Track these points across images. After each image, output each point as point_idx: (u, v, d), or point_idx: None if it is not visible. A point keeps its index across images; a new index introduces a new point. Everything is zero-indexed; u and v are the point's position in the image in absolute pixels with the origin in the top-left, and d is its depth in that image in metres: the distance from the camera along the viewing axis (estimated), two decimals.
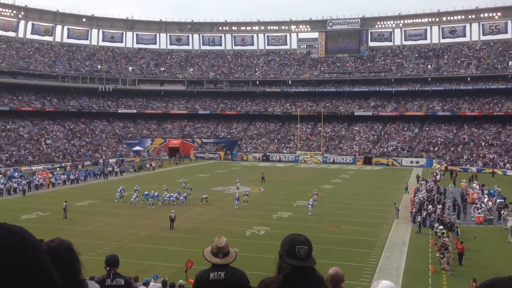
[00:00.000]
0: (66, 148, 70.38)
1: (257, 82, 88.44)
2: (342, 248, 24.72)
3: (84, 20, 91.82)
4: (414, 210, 31.61)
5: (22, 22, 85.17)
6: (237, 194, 37.01)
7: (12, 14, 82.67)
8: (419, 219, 29.30)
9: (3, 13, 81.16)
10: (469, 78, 76.74)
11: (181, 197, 36.88)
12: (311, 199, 34.78)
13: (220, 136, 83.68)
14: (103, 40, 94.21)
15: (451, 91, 77.26)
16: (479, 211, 32.48)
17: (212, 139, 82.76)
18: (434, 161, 65.39)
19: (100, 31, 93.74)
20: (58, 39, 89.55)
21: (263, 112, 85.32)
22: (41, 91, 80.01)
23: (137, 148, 78.31)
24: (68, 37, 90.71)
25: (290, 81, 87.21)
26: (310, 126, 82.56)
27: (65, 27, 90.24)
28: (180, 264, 21.76)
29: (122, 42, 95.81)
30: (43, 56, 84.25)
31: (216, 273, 3.47)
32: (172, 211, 29.72)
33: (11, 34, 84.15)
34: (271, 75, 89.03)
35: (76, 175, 50.36)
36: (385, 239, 26.85)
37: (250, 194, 39.28)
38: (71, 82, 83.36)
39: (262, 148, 78.60)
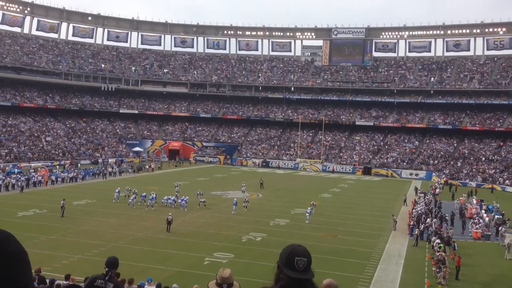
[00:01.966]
0: (66, 146, 70.30)
1: (260, 87, 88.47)
2: (338, 258, 24.63)
3: (89, 18, 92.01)
4: (412, 223, 31.52)
5: (27, 18, 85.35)
6: (235, 199, 36.89)
7: (18, 10, 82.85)
8: (416, 232, 29.20)
9: (9, 8, 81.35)
10: (471, 93, 76.77)
11: (179, 200, 36.69)
12: (309, 208, 34.71)
13: (221, 140, 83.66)
14: (107, 39, 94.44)
15: (453, 105, 77.25)
16: (477, 226, 32.40)
17: (212, 143, 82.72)
18: (433, 174, 65.30)
19: (105, 30, 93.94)
20: (63, 36, 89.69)
21: (265, 117, 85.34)
22: (44, 87, 79.99)
23: (137, 149, 78.29)
24: (73, 35, 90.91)
25: (292, 88, 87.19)
26: (311, 134, 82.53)
27: (71, 25, 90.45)
28: (176, 267, 21.73)
29: (126, 42, 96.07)
30: (47, 53, 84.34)
31: None
32: (170, 213, 29.64)
33: (17, 29, 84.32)
34: (274, 81, 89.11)
35: (75, 174, 50.41)
36: (381, 251, 26.76)
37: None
38: (74, 80, 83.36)
39: (262, 154, 78.53)
